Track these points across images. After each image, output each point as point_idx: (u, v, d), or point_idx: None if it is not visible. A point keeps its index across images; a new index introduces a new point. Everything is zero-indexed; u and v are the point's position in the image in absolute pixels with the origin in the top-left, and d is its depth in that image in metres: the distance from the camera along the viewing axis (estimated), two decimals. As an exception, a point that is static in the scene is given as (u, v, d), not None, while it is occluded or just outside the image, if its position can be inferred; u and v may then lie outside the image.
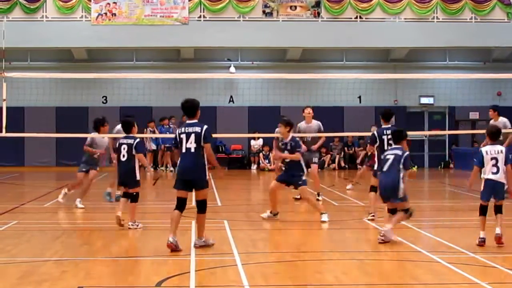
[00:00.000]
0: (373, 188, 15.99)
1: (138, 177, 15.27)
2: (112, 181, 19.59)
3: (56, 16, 34.20)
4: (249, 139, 35.25)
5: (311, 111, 20.38)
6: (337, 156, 35.65)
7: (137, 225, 15.19)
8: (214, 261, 11.53)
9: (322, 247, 13.61)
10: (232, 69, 35.41)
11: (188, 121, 12.75)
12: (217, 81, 35.62)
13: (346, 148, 36.12)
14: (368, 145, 16.69)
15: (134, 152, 15.12)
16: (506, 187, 13.23)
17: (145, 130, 32.14)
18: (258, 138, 34.30)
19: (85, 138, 19.68)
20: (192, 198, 13.43)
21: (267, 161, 34.21)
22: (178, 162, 12.84)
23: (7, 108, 17.95)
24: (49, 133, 32.31)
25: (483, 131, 15.74)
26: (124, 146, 15.35)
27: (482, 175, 13.11)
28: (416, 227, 14.96)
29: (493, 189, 12.91)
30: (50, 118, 35.11)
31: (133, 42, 34.11)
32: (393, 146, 13.84)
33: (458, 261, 11.40)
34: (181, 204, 12.70)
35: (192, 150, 12.44)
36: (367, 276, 10.72)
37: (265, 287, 9.83)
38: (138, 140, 15.46)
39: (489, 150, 13.02)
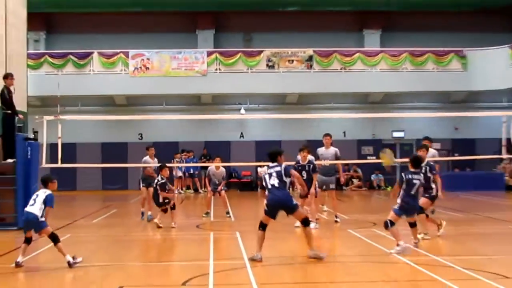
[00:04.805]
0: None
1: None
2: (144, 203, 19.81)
3: (101, 69, 34.36)
4: (256, 167, 34.98)
5: (329, 139, 18.79)
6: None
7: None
8: (228, 264, 11.52)
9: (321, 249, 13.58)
10: (242, 111, 35.46)
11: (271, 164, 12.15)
12: (230, 121, 35.70)
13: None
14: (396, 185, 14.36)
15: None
16: None
17: (173, 160, 32.21)
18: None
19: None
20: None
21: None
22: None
23: (62, 144, 18.04)
24: (96, 163, 32.52)
25: (443, 159, 15.76)
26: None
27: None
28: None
29: None
30: (97, 152, 35.16)
31: (163, 90, 34.25)
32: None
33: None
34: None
35: (276, 184, 11.83)
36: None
37: (269, 285, 9.84)
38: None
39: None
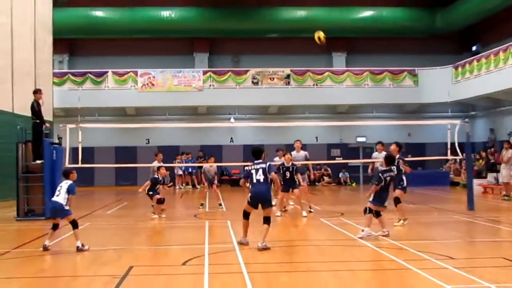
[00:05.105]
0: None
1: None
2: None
3: (114, 86, 34.27)
4: (244, 166, 34.87)
5: (299, 143, 18.96)
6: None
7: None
8: (221, 247, 11.47)
9: (303, 236, 13.53)
10: (232, 120, 35.49)
11: (256, 161, 11.56)
12: (222, 128, 35.65)
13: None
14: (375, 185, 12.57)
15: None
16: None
17: (174, 161, 32.08)
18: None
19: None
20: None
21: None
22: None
23: (82, 148, 17.94)
24: (110, 164, 32.32)
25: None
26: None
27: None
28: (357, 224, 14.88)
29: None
30: (111, 154, 35.01)
31: (166, 102, 34.21)
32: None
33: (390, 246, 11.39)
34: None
35: (261, 180, 11.35)
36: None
37: (255, 264, 9.79)
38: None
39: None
